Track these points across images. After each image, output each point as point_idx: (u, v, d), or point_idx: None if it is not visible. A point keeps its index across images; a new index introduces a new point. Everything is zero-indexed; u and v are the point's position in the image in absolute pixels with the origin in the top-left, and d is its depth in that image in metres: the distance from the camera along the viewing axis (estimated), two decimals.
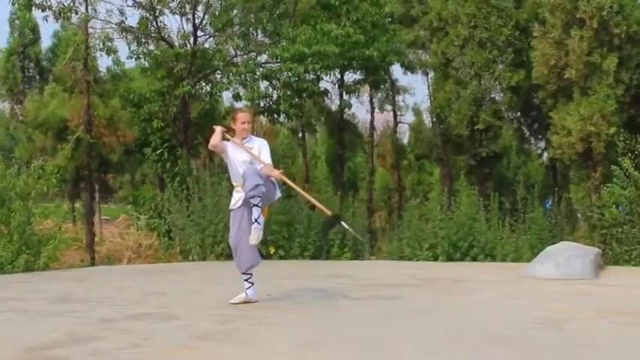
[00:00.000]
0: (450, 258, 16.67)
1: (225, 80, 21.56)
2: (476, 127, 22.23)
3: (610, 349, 6.89)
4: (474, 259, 16.65)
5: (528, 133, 27.32)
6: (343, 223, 9.90)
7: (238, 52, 21.48)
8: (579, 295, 10.88)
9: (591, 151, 18.24)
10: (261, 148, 9.14)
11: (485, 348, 6.85)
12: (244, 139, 9.15)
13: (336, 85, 25.30)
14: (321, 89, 23.23)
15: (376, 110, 32.47)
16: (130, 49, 20.94)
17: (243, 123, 9.15)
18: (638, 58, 19.46)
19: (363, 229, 18.07)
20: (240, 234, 9.11)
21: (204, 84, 22.18)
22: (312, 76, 21.08)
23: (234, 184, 9.27)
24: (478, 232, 16.96)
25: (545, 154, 28.56)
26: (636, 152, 15.85)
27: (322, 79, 22.82)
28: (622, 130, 17.79)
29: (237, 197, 9.16)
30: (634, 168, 15.66)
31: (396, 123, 34.18)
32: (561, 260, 13.43)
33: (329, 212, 9.83)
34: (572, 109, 18.52)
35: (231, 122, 9.39)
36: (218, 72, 21.65)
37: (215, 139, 9.18)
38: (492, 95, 22.98)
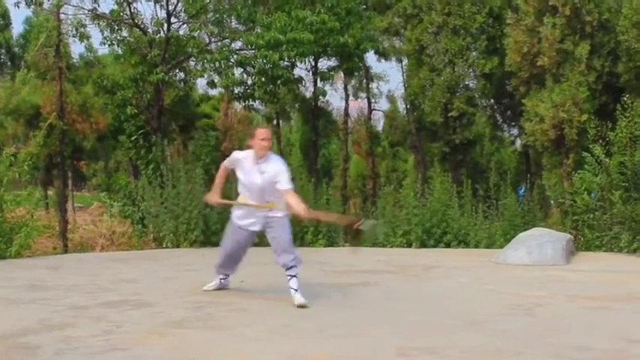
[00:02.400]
0: (423, 244, 16.74)
1: (199, 67, 21.45)
2: (449, 114, 22.34)
3: (578, 333, 6.96)
4: (448, 245, 16.72)
5: (501, 120, 27.49)
6: (365, 226, 9.34)
7: (212, 39, 21.37)
8: (551, 281, 10.97)
9: (563, 137, 18.38)
10: (278, 173, 8.44)
11: (459, 333, 6.91)
12: (261, 157, 8.47)
13: (311, 72, 25.29)
14: (296, 76, 23.14)
15: (350, 97, 32.47)
16: (103, 35, 20.79)
17: (263, 140, 8.46)
18: (610, 46, 19.59)
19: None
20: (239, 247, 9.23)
21: (178, 71, 22.07)
22: (286, 63, 21.00)
23: (245, 199, 8.83)
24: (451, 219, 17.04)
25: (518, 141, 28.75)
26: (607, 139, 15.95)
27: (297, 66, 22.75)
28: (593, 117, 17.90)
29: (249, 216, 8.83)
30: (605, 155, 15.76)
31: (371, 110, 34.20)
32: (533, 246, 13.54)
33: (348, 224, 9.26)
34: (545, 96, 18.64)
35: (249, 139, 8.68)
36: (192, 59, 21.54)
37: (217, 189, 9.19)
38: (466, 82, 23.11)
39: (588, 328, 7.23)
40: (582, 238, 16.02)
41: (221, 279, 9.49)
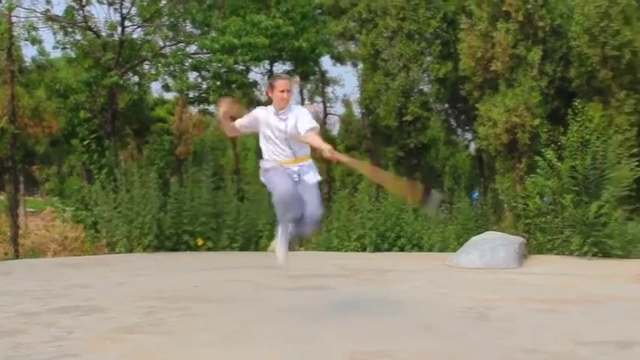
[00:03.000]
0: (377, 248, 16.80)
1: (153, 71, 21.36)
2: (404, 119, 22.41)
3: (529, 335, 7.03)
4: (402, 249, 16.81)
5: (456, 125, 27.64)
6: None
7: (167, 43, 21.28)
8: (503, 284, 11.07)
9: (516, 142, 18.54)
10: (299, 116, 7.65)
11: (411, 337, 6.94)
12: (282, 109, 7.67)
13: (266, 76, 25.22)
14: (251, 80, 23.15)
15: (306, 101, 32.47)
16: (55, 38, 20.62)
17: (282, 91, 7.68)
18: (562, 51, 19.83)
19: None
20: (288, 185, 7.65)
21: (132, 74, 21.95)
22: (241, 67, 20.98)
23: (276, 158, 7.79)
24: (405, 223, 17.12)
25: (473, 145, 28.92)
26: (559, 143, 16.13)
27: (252, 70, 22.76)
28: (546, 122, 18.12)
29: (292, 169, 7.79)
30: (557, 159, 15.93)
31: (326, 114, 34.19)
32: (486, 250, 13.66)
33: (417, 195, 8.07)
34: (498, 101, 18.80)
35: (267, 91, 7.91)
36: (146, 62, 21.44)
37: (223, 125, 8.13)
38: (420, 87, 23.21)
39: (538, 331, 7.30)
40: (534, 242, 16.17)
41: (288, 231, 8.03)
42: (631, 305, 9.21)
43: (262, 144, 7.83)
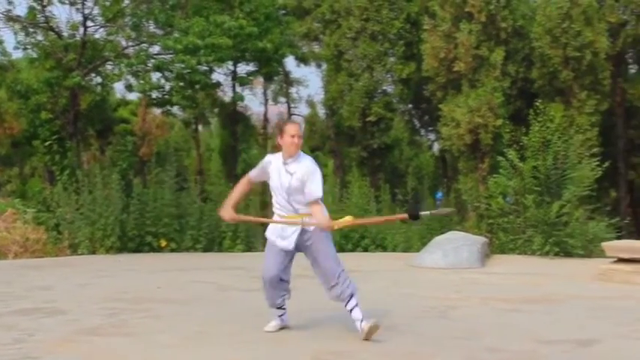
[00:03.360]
0: (341, 249, 16.76)
1: (116, 71, 21.23)
2: (367, 119, 22.46)
3: (491, 334, 7.07)
4: (365, 249, 16.83)
5: (419, 125, 27.79)
6: (424, 214, 8.77)
7: (130, 43, 21.16)
8: (466, 284, 11.12)
9: (479, 142, 18.67)
10: (308, 178, 7.07)
11: (375, 337, 6.93)
12: (291, 157, 7.14)
13: (229, 77, 25.21)
14: (214, 81, 23.10)
15: (270, 102, 32.52)
16: (17, 39, 20.43)
17: (293, 137, 7.09)
18: (524, 52, 19.99)
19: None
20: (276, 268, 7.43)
21: (94, 75, 21.79)
22: (204, 67, 20.92)
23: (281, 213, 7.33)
24: None
25: (436, 146, 29.07)
26: (521, 144, 16.24)
27: (215, 70, 22.72)
28: (508, 122, 18.25)
29: (290, 232, 7.28)
30: (519, 159, 16.03)
31: (290, 115, 34.27)
32: (449, 250, 13.72)
33: (405, 216, 8.11)
34: (461, 101, 18.91)
35: (277, 137, 7.30)
36: (109, 63, 21.30)
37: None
38: (384, 87, 23.29)
39: (501, 330, 7.35)
40: (497, 241, 16.27)
41: (279, 315, 7.64)
42: (591, 304, 9.31)
43: (273, 195, 7.35)
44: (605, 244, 12.28)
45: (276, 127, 7.29)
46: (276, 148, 7.37)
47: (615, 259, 11.73)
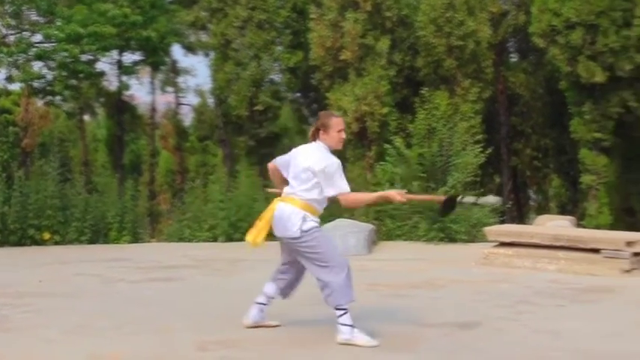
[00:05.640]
0: (229, 238, 16.73)
1: None
2: (255, 108, 22.37)
3: (377, 319, 7.14)
4: None
5: (308, 114, 27.83)
6: (467, 200, 8.45)
7: (10, 31, 20.59)
8: (353, 271, 11.19)
9: (366, 130, 18.83)
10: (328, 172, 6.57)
11: (260, 325, 6.92)
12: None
13: (115, 66, 24.76)
14: (99, 70, 22.67)
15: (158, 91, 32.12)
16: None
17: (340, 131, 6.71)
18: (410, 41, 20.26)
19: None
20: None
21: None
22: (88, 56, 20.51)
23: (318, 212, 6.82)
24: (258, 212, 16.96)
25: None
26: (408, 131, 16.47)
27: (99, 60, 22.28)
28: (394, 110, 18.46)
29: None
30: (405, 146, 16.25)
31: (178, 104, 33.99)
32: (337, 237, 13.75)
33: (441, 198, 7.60)
34: (348, 90, 19.04)
35: (320, 130, 6.72)
36: None
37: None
38: (271, 76, 23.22)
39: (385, 315, 7.45)
40: (384, 228, 16.46)
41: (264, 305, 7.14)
42: (473, 288, 9.52)
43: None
44: (486, 229, 12.56)
45: (318, 120, 6.89)
46: (313, 139, 6.81)
47: (497, 243, 12.00)
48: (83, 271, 11.48)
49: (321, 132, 6.71)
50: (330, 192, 6.50)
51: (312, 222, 6.58)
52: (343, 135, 6.76)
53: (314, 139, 6.77)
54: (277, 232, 6.69)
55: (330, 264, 6.50)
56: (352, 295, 6.54)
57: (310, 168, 6.55)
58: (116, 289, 9.63)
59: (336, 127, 6.69)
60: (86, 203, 17.09)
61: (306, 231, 6.53)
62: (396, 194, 6.59)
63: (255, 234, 6.81)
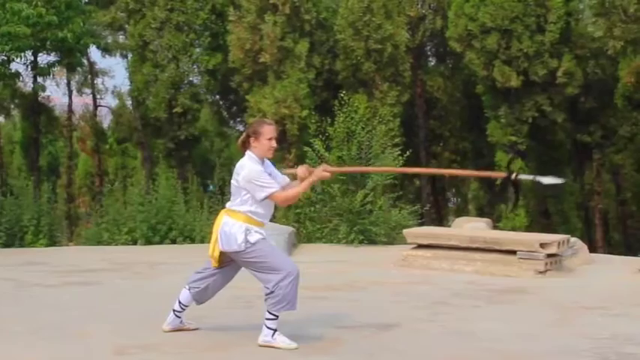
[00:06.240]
0: (149, 241, 16.56)
1: None
2: (174, 110, 22.23)
3: (295, 322, 7.16)
4: (174, 241, 16.65)
5: (228, 116, 27.80)
6: (526, 177, 8.26)
7: None
8: None
9: (285, 133, 18.86)
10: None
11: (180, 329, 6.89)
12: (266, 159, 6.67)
13: (29, 67, 24.29)
14: (13, 71, 22.21)
15: (75, 93, 31.70)
16: None
17: (271, 139, 6.57)
18: (329, 44, 20.37)
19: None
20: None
21: None
22: (2, 57, 20.09)
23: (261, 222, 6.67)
24: (177, 215, 16.97)
25: None
26: (327, 134, 16.52)
27: (13, 60, 21.83)
28: (314, 113, 18.51)
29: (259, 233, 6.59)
30: (325, 149, 16.29)
31: (96, 106, 33.61)
32: None
33: (503, 174, 6.78)
34: (268, 93, 19.09)
35: (251, 138, 6.58)
36: None
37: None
38: (190, 78, 23.13)
39: (304, 317, 7.45)
40: (304, 231, 16.47)
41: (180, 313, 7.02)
42: (392, 289, 9.63)
43: (259, 205, 6.57)
44: (405, 231, 12.68)
45: (249, 127, 6.61)
46: (243, 148, 6.65)
47: (415, 246, 12.13)
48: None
49: (252, 139, 6.56)
50: (261, 195, 6.44)
51: (257, 234, 6.51)
52: (274, 143, 6.60)
53: (244, 149, 6.63)
54: (222, 247, 6.56)
55: (282, 272, 6.45)
56: (295, 305, 6.51)
57: (238, 181, 6.52)
58: (31, 293, 9.46)
59: (267, 134, 6.54)
60: (1, 206, 16.76)
61: (253, 243, 6.46)
62: (322, 172, 6.66)
63: (211, 249, 6.67)
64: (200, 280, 6.85)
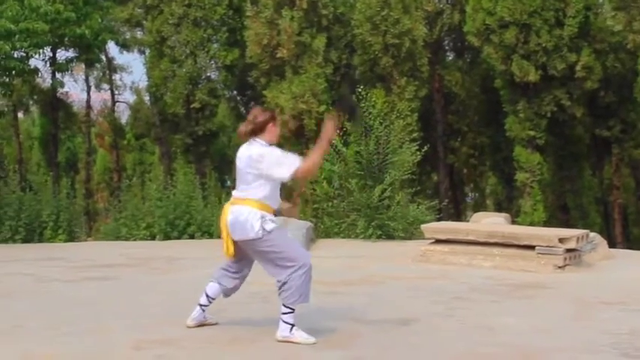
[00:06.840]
0: (167, 237, 16.60)
1: None
2: (192, 106, 22.28)
3: (312, 317, 7.16)
4: (192, 236, 16.69)
5: (245, 112, 27.79)
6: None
7: None
8: None
9: (303, 128, 18.85)
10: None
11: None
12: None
13: (48, 64, 24.41)
14: (32, 67, 22.30)
15: (93, 89, 31.81)
16: None
17: (277, 125, 6.78)
18: (346, 39, 20.34)
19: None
20: None
21: None
22: (21, 53, 20.17)
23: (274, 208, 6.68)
24: (195, 210, 16.99)
25: None
26: (345, 129, 16.49)
27: (32, 56, 21.93)
28: (332, 108, 18.48)
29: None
30: (343, 144, 16.28)
31: (114, 102, 33.70)
32: None
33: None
34: (285, 88, 19.08)
35: (268, 125, 6.61)
36: None
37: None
38: (208, 74, 23.14)
39: (322, 312, 7.46)
40: (322, 226, 16.47)
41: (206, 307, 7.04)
42: (410, 284, 9.59)
43: (272, 188, 6.61)
44: (423, 226, 12.65)
45: (255, 118, 6.53)
46: (252, 134, 6.58)
47: (433, 241, 12.10)
48: (17, 270, 11.30)
49: (270, 125, 6.59)
50: (285, 173, 6.38)
51: (272, 223, 6.46)
52: (279, 130, 6.78)
53: (254, 135, 6.58)
54: (235, 236, 6.49)
55: (296, 263, 6.39)
56: (308, 297, 6.47)
57: (259, 169, 6.45)
58: (51, 288, 9.50)
59: (279, 122, 6.76)
60: (20, 202, 16.86)
61: (269, 232, 6.39)
62: (330, 128, 6.62)
63: (225, 246, 6.60)
64: (226, 276, 6.83)
